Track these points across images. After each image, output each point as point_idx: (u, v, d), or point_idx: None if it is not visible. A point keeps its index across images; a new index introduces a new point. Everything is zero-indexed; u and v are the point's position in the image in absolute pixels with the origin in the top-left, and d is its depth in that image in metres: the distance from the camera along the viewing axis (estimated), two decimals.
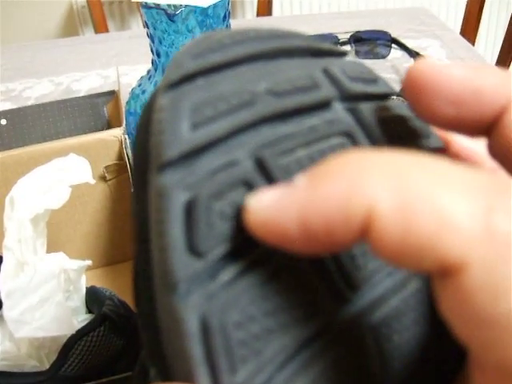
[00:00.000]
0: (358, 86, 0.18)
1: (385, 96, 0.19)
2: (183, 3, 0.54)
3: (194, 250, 0.14)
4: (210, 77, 0.16)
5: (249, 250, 0.15)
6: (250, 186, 0.15)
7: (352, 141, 0.17)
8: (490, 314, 0.11)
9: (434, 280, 0.12)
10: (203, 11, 0.54)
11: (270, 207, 0.13)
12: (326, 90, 0.17)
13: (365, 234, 0.12)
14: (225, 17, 0.57)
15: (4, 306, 0.33)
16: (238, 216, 0.14)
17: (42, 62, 0.99)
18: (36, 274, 0.33)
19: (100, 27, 1.29)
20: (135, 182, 0.17)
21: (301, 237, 0.13)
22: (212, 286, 0.14)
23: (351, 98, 0.18)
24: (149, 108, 0.17)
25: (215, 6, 0.55)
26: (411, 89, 0.16)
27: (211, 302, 0.14)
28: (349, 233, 0.12)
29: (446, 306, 0.12)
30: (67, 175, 0.39)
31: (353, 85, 0.18)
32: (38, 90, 0.89)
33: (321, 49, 0.19)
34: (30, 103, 0.84)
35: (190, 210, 0.14)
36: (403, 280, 0.16)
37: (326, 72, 0.18)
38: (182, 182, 0.14)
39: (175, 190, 0.14)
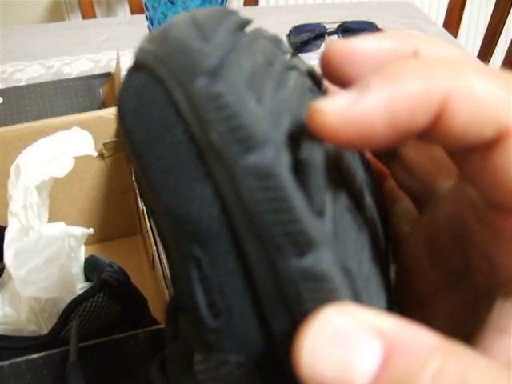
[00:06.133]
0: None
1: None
2: None
3: (317, 210, 0.15)
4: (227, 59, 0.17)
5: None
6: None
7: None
8: None
9: (488, 152, 0.16)
10: None
11: (352, 104, 0.15)
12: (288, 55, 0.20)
13: (441, 113, 0.15)
14: (222, 2, 0.58)
15: (12, 266, 0.34)
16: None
17: (32, 46, 0.99)
18: (42, 236, 0.35)
19: (88, 13, 1.29)
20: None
21: (386, 126, 0.15)
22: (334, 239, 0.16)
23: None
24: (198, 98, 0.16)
25: None
26: (335, 67, 0.19)
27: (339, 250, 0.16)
28: (428, 113, 0.15)
29: (498, 166, 0.15)
30: (70, 147, 0.40)
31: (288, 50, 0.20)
32: (29, 73, 0.90)
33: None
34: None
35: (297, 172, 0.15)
36: None
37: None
38: (279, 151, 0.15)
39: (281, 162, 0.15)
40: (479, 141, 0.15)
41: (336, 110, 0.15)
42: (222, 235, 0.16)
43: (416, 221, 0.22)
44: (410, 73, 0.15)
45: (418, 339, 0.14)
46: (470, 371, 0.13)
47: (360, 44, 0.18)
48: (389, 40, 0.18)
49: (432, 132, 0.16)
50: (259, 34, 0.19)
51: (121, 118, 0.17)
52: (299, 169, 0.15)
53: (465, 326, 0.19)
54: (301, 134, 0.16)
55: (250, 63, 0.16)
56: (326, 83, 0.21)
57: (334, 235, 0.16)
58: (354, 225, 0.18)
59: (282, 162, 0.15)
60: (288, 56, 0.19)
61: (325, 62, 0.19)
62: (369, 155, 0.24)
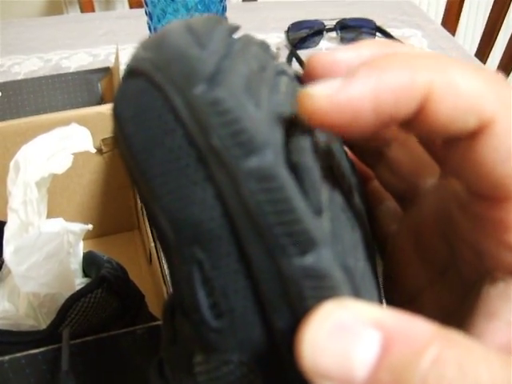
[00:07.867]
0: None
1: None
2: None
3: (316, 210, 0.16)
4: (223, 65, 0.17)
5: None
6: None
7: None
8: None
9: (471, 143, 0.16)
10: None
11: (340, 90, 0.16)
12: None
13: (424, 104, 0.16)
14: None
15: (12, 262, 0.34)
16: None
17: (30, 39, 0.99)
18: (41, 233, 0.35)
19: (86, 7, 1.29)
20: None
21: (371, 111, 0.16)
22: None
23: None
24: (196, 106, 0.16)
25: None
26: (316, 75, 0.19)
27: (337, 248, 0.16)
28: (412, 103, 0.16)
29: (482, 155, 0.16)
30: (69, 143, 0.40)
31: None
32: (27, 66, 0.89)
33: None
34: (19, 78, 0.85)
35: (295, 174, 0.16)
36: None
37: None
38: (277, 153, 0.16)
39: (280, 164, 0.16)
40: (462, 131, 0.16)
41: (324, 94, 0.16)
42: (223, 237, 0.16)
43: (401, 218, 0.23)
44: (395, 64, 0.16)
45: (415, 328, 0.14)
46: (468, 357, 0.14)
47: (341, 54, 0.19)
48: (367, 48, 0.19)
49: (416, 122, 0.16)
50: (250, 40, 0.19)
51: (118, 123, 0.17)
52: (295, 170, 0.16)
53: (454, 316, 0.20)
54: (294, 137, 0.17)
55: (245, 69, 0.17)
56: None
57: (332, 234, 0.16)
58: (347, 223, 0.19)
59: (281, 165, 0.15)
60: (276, 61, 0.20)
61: (308, 73, 0.19)
62: (353, 157, 0.24)
